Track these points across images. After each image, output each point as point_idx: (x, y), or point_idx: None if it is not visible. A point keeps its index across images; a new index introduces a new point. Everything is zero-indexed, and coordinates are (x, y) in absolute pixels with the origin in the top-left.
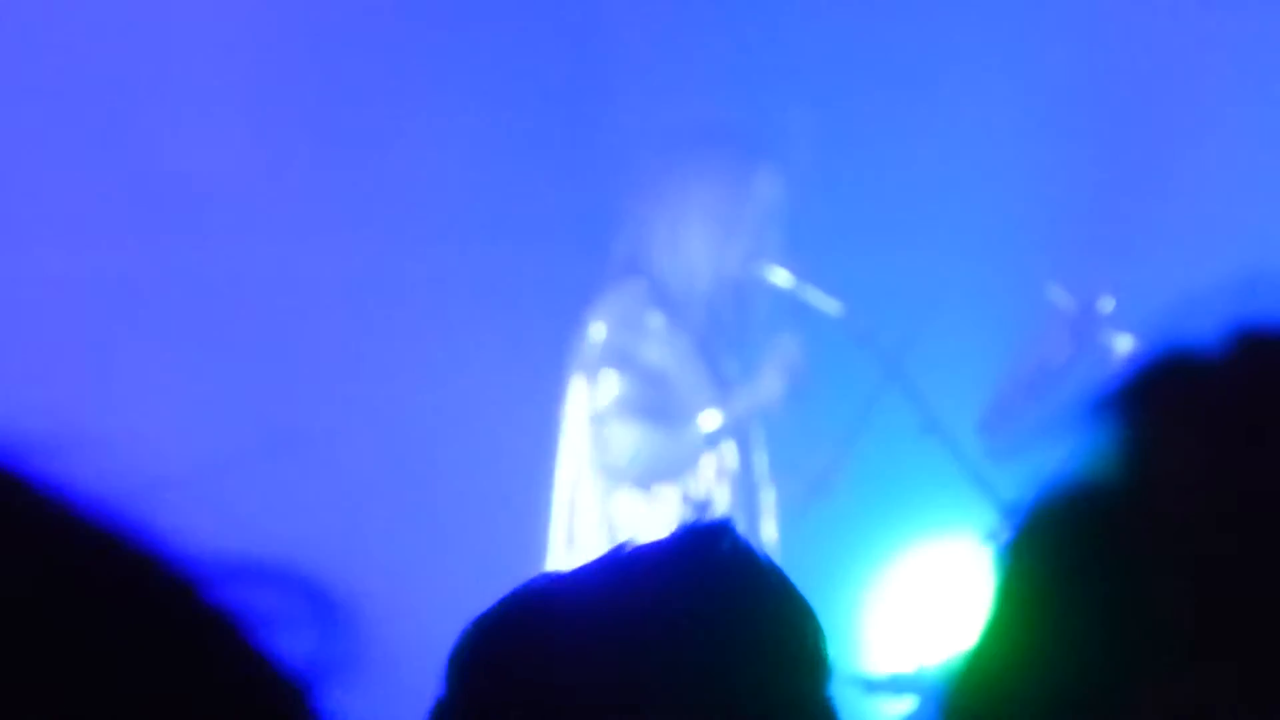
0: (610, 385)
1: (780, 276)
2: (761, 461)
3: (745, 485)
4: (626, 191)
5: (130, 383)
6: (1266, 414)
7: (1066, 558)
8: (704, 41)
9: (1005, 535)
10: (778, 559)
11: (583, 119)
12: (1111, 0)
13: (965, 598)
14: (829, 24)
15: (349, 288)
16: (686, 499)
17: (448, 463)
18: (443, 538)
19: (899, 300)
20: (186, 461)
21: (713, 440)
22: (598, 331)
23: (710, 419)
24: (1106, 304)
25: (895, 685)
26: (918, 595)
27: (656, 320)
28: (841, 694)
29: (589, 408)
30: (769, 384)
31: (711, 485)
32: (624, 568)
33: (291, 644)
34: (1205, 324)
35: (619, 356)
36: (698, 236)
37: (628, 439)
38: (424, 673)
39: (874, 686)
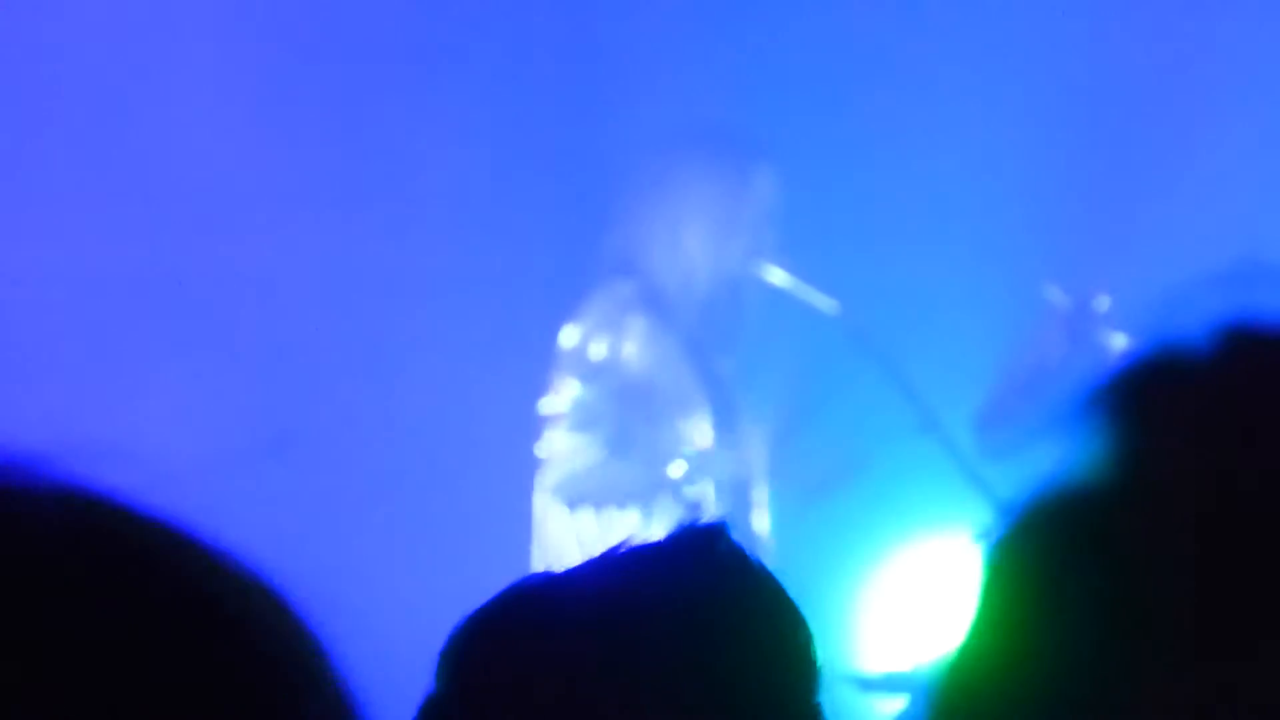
0: (572, 407)
1: (776, 275)
2: (758, 460)
3: (740, 484)
4: (621, 190)
5: (129, 380)
6: (1258, 412)
7: (1060, 556)
8: (701, 41)
9: (997, 533)
10: (773, 558)
11: (579, 118)
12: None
13: (959, 596)
14: (825, 23)
15: (342, 284)
16: (683, 499)
17: (434, 461)
18: (427, 536)
19: (895, 299)
20: (180, 460)
21: (677, 485)
22: (575, 335)
23: (678, 468)
24: (1102, 303)
25: (890, 684)
26: (912, 593)
27: (643, 322)
28: (835, 695)
29: (552, 425)
30: (751, 445)
31: (707, 485)
32: (618, 567)
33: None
34: (1196, 321)
35: (596, 365)
36: (692, 235)
37: (579, 464)
38: (411, 669)
39: (869, 685)
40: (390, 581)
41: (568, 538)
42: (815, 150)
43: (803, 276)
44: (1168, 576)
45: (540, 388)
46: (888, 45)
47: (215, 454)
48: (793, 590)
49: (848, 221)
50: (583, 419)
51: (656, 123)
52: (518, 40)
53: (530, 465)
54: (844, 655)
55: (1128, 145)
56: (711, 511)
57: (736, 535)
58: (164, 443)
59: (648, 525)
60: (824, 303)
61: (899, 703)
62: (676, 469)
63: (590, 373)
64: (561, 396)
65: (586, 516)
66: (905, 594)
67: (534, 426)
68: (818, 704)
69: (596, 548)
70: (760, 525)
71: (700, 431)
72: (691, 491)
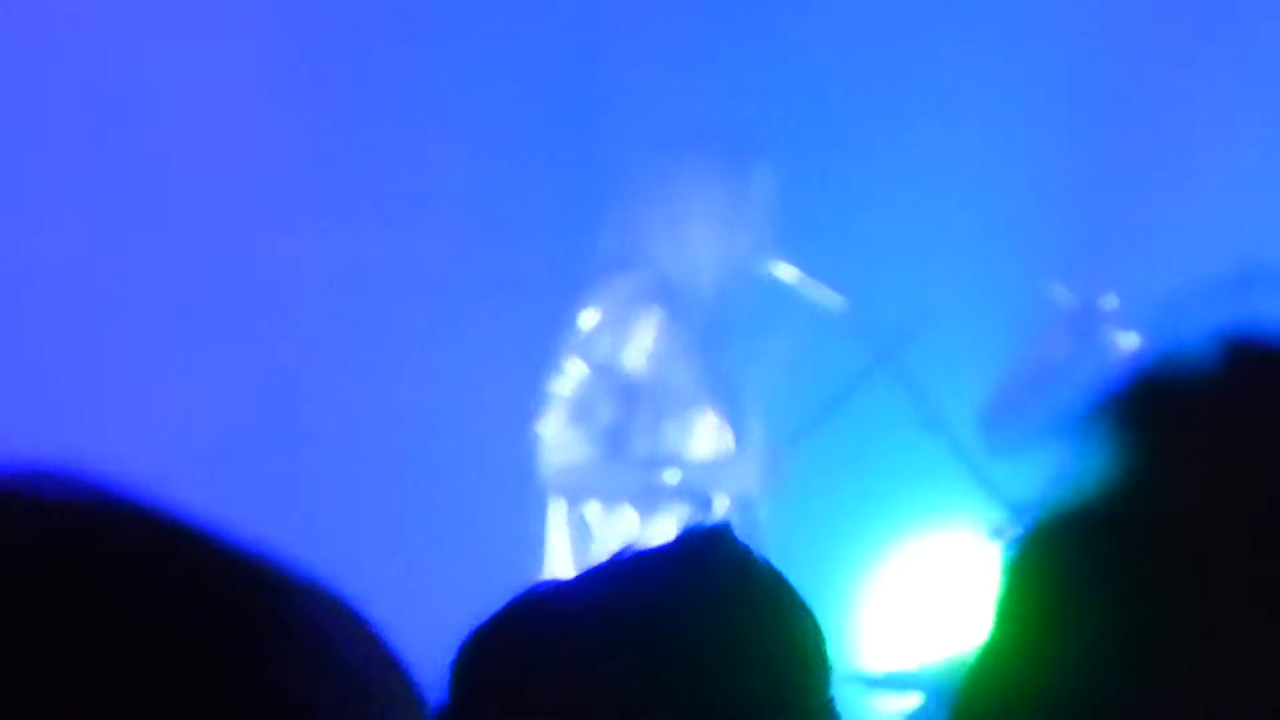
0: (575, 399)
1: (782, 271)
2: (762, 456)
3: (743, 481)
4: (624, 187)
5: (126, 378)
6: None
7: (1083, 561)
8: (705, 36)
9: (1016, 535)
10: (776, 556)
11: (581, 113)
12: None
13: (965, 594)
14: (831, 16)
15: (345, 280)
16: (686, 496)
17: (436, 459)
18: (430, 534)
19: (901, 296)
20: (181, 460)
21: (680, 482)
22: (580, 329)
23: (673, 475)
24: (1109, 301)
25: (895, 682)
26: (917, 591)
27: (648, 316)
28: (842, 693)
29: (551, 419)
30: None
31: (710, 483)
32: (624, 573)
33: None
34: (1206, 322)
35: (601, 359)
36: (696, 232)
37: (579, 456)
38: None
39: (874, 684)
40: (393, 580)
41: (571, 536)
42: (821, 146)
43: (809, 273)
44: (1197, 584)
45: (543, 384)
46: (895, 40)
47: (216, 453)
48: (799, 588)
49: (854, 217)
50: (584, 411)
51: (659, 118)
52: (520, 36)
53: (533, 462)
54: (848, 654)
55: (1135, 143)
56: (715, 509)
57: (741, 535)
58: (164, 443)
59: (649, 523)
60: (830, 299)
61: (904, 701)
62: (673, 476)
63: (595, 366)
64: (565, 387)
65: (588, 513)
66: (910, 592)
67: (537, 424)
68: (831, 700)
69: (600, 547)
70: (764, 523)
71: (705, 427)
72: (694, 489)
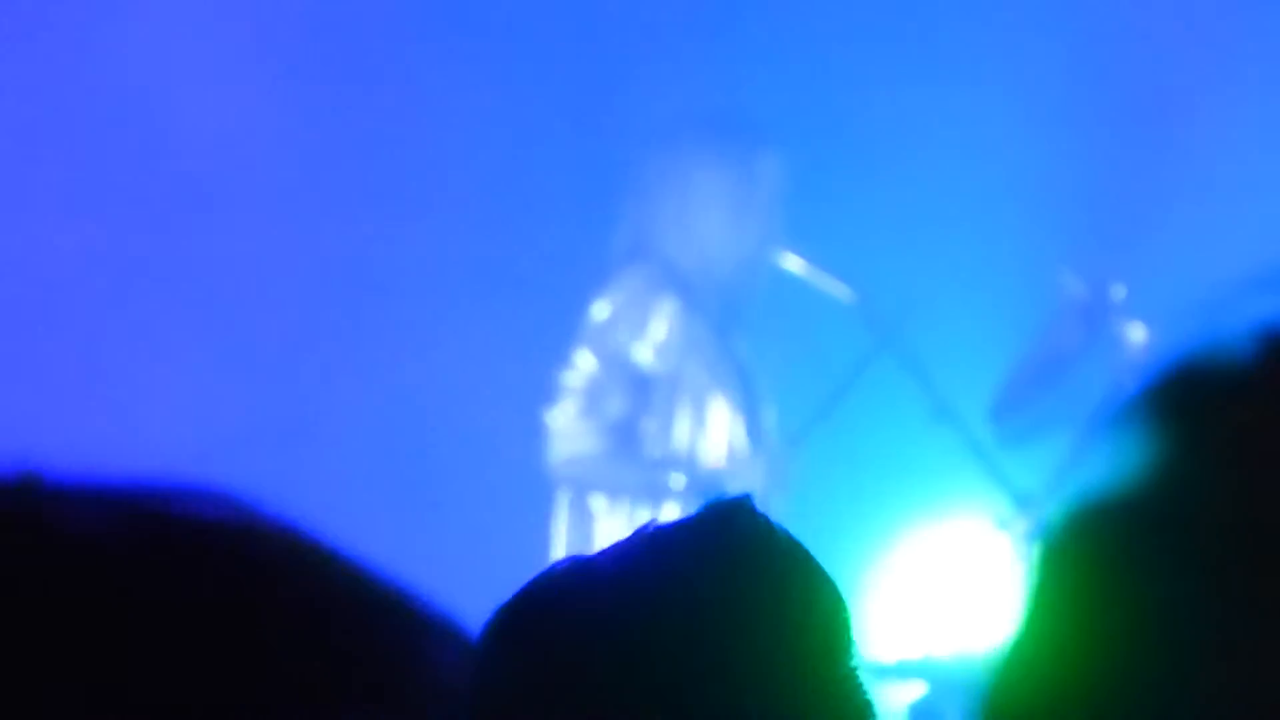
0: (587, 389)
1: (792, 263)
2: (774, 446)
3: (756, 470)
4: (633, 179)
5: (124, 375)
6: None
7: (1124, 552)
8: (714, 25)
9: (1048, 526)
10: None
11: (589, 105)
12: None
13: (975, 585)
14: (839, 9)
15: (359, 274)
16: (699, 481)
17: (446, 454)
18: (439, 529)
19: (911, 286)
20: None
21: (692, 471)
22: (593, 320)
23: (678, 480)
24: (1119, 291)
25: (903, 671)
26: (926, 581)
27: (661, 307)
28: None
29: (562, 410)
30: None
31: (723, 476)
32: (648, 546)
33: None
34: (1233, 321)
35: (614, 349)
36: (706, 223)
37: (590, 446)
38: None
39: (882, 673)
40: (404, 567)
41: (582, 527)
42: (831, 137)
43: (819, 264)
44: (1232, 574)
45: (552, 378)
46: (904, 29)
47: (219, 451)
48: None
49: (864, 208)
50: (596, 402)
51: (670, 111)
52: (532, 28)
53: (544, 453)
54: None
55: (1145, 134)
56: (732, 489)
57: (761, 510)
58: (174, 439)
59: (659, 514)
60: (840, 290)
61: (914, 691)
62: (683, 469)
63: (606, 357)
64: (578, 376)
65: (598, 504)
66: (919, 582)
67: (549, 415)
68: (854, 669)
69: (609, 538)
70: (775, 512)
71: (717, 417)
72: (705, 480)
